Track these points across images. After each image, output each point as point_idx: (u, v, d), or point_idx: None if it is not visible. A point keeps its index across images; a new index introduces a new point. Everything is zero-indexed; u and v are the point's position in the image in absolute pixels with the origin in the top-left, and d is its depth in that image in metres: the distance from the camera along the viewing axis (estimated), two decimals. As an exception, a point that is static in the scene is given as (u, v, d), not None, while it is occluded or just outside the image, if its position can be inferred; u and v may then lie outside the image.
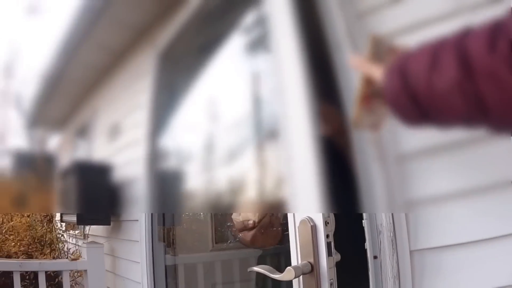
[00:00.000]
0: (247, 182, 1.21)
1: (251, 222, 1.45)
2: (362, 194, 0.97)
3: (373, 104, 0.68)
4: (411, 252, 1.09)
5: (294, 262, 1.02)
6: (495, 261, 1.03)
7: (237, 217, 1.55)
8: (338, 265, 1.05)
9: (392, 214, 1.00)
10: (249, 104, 1.18)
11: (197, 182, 1.44)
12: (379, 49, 0.69)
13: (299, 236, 0.98)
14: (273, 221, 1.52)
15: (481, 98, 0.50)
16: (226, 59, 1.48)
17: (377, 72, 0.64)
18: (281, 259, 1.62)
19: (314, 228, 0.95)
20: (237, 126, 1.22)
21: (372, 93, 0.66)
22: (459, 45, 0.52)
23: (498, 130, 0.55)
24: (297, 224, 0.97)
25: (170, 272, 1.84)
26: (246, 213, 1.48)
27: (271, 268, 1.00)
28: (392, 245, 1.03)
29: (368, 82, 0.66)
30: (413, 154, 1.01)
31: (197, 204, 1.43)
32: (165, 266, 1.77)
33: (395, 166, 1.00)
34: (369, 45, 0.70)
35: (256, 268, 1.01)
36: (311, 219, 0.93)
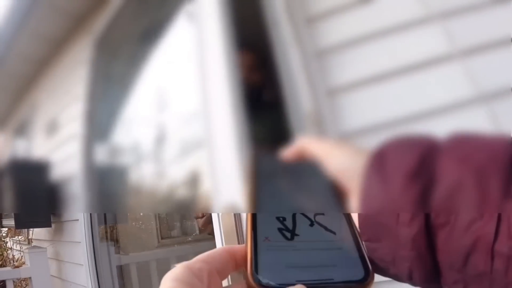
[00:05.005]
0: (201, 177, 1.12)
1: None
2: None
3: None
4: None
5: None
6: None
7: None
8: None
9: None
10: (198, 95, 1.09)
11: (144, 178, 1.34)
12: None
13: (222, 224, 0.91)
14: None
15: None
16: (173, 46, 1.38)
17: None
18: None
19: (238, 215, 0.89)
20: (189, 118, 1.13)
21: None
22: None
23: None
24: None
25: (116, 272, 1.73)
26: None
27: None
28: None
29: None
30: (355, 134, 0.97)
31: (143, 202, 1.34)
32: (110, 266, 1.66)
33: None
34: None
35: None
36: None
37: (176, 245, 1.92)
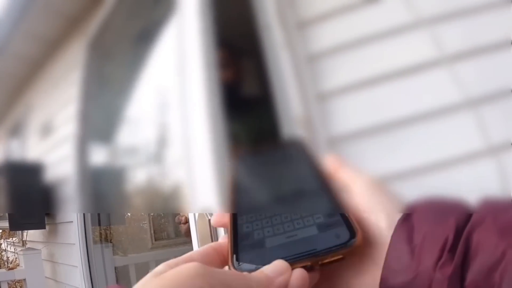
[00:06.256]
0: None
1: (183, 218, 1.46)
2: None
3: None
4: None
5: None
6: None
7: None
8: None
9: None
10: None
11: (142, 179, 1.35)
12: None
13: (198, 230, 0.93)
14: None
15: None
16: (163, 47, 1.38)
17: None
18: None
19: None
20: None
21: None
22: None
23: None
24: (196, 218, 0.92)
25: (113, 274, 1.73)
26: None
27: None
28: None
29: None
30: (345, 137, 0.98)
31: (140, 203, 1.34)
32: (104, 267, 1.66)
33: (326, 151, 0.97)
34: None
35: None
36: (209, 213, 0.88)
37: (166, 248, 1.92)
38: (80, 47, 1.78)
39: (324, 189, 0.29)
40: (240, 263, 0.25)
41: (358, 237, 0.25)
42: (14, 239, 2.84)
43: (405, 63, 0.90)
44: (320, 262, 0.25)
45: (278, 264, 0.23)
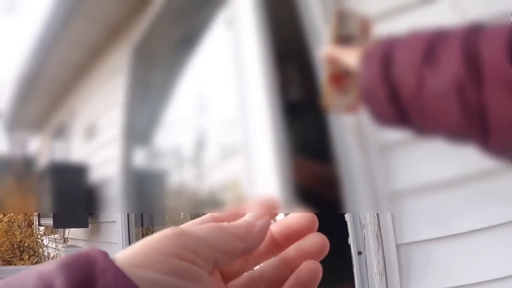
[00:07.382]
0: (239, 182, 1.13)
1: None
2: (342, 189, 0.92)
3: (345, 84, 0.58)
4: (397, 246, 1.05)
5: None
6: (485, 253, 1.00)
7: None
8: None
9: (376, 207, 0.95)
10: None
11: (182, 181, 1.37)
12: (348, 27, 0.58)
13: None
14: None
15: (484, 111, 0.40)
16: (211, 52, 1.41)
17: (351, 56, 0.52)
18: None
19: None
20: (229, 123, 1.14)
21: (342, 72, 0.57)
22: (467, 42, 0.41)
23: (494, 154, 0.44)
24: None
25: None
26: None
27: None
28: (377, 240, 0.99)
29: (335, 61, 0.55)
30: (396, 142, 0.96)
31: (181, 203, 1.36)
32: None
33: (377, 156, 0.95)
34: (334, 22, 0.57)
35: None
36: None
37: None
38: (124, 53, 1.84)
39: None
40: None
41: None
42: (56, 235, 2.94)
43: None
44: None
45: (258, 210, 0.24)
